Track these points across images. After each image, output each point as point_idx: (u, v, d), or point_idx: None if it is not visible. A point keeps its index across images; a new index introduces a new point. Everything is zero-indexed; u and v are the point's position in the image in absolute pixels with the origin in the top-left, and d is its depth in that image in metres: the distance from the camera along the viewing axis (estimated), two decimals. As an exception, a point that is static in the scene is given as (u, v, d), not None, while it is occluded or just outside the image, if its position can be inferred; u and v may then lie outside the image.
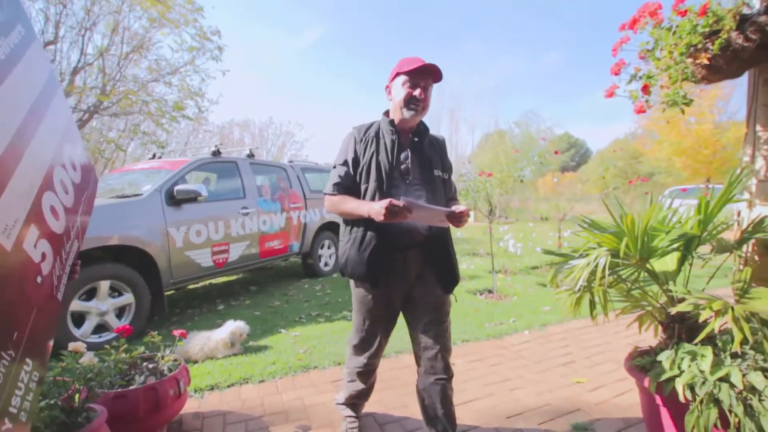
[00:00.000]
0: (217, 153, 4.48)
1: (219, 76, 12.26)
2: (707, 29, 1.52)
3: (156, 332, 1.97)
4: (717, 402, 1.32)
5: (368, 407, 2.02)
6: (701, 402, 1.34)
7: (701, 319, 1.30)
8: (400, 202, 1.33)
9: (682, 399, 1.39)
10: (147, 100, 9.14)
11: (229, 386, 2.34)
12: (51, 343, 1.14)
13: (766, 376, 1.32)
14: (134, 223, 3.34)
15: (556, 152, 5.82)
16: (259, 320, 3.62)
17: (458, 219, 1.45)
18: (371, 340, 1.68)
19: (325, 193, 1.62)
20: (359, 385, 1.80)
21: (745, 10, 1.58)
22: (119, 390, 1.63)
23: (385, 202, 1.35)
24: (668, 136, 14.23)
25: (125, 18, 8.49)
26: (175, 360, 1.91)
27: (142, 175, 4.20)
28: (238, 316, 3.22)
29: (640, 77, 1.66)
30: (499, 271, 5.49)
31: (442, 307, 1.61)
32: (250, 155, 5.04)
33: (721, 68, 1.58)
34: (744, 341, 1.27)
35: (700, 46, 1.53)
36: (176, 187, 3.67)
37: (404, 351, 2.78)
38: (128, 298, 3.20)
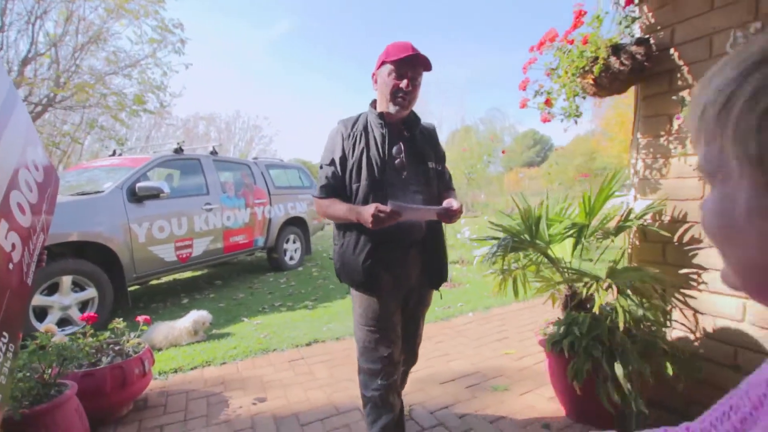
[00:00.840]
0: (179, 150, 4.56)
1: (182, 70, 12.00)
2: (593, 55, 1.85)
3: (121, 319, 2.13)
4: (590, 355, 1.66)
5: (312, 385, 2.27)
6: (579, 356, 1.68)
7: (574, 291, 1.63)
8: (386, 208, 1.25)
9: (567, 355, 1.73)
10: (105, 93, 8.90)
11: (192, 369, 2.53)
12: (21, 333, 1.32)
13: (626, 334, 1.67)
14: (95, 220, 3.41)
15: (503, 152, 6.24)
16: (223, 311, 3.79)
17: (449, 216, 1.38)
18: (383, 352, 1.44)
19: (314, 197, 1.53)
20: (387, 417, 1.46)
21: (624, 40, 1.92)
22: (87, 369, 1.80)
23: (371, 208, 1.27)
24: (619, 134, 15.20)
25: (80, 7, 8.21)
26: (140, 343, 2.08)
27: (102, 172, 4.24)
28: (202, 308, 3.37)
29: (542, 93, 1.98)
30: (456, 261, 5.87)
31: (429, 304, 1.64)
32: (214, 152, 5.13)
33: (605, 86, 1.92)
34: (620, 309, 1.62)
35: (587, 68, 1.86)
36: (138, 184, 3.75)
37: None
38: (91, 292, 3.29)
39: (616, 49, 1.84)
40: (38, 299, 3.01)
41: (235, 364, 2.59)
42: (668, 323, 1.89)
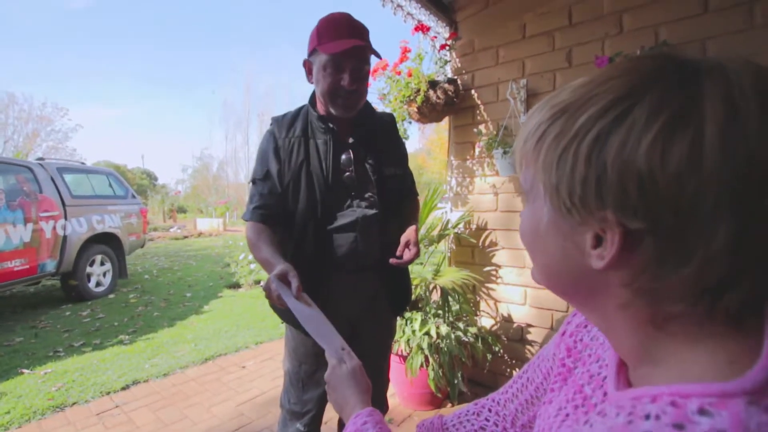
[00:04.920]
0: None
1: None
2: (416, 87, 2.13)
3: None
4: (422, 349, 1.88)
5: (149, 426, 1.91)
6: (414, 351, 1.89)
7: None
8: (272, 285, 0.92)
9: (404, 352, 1.92)
10: None
11: (-73, 457, 1.78)
12: None
13: (448, 326, 1.96)
14: None
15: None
16: (-15, 365, 2.80)
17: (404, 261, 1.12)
18: (309, 396, 1.24)
19: (244, 220, 1.19)
20: None
21: (440, 77, 2.29)
22: None
23: (270, 276, 0.95)
24: (440, 155, 17.91)
25: None
26: None
27: None
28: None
29: (377, 115, 2.18)
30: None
31: (391, 336, 1.36)
32: (-31, 149, 3.78)
33: (426, 114, 2.24)
34: (444, 305, 1.88)
35: (412, 97, 2.14)
36: None
37: (190, 365, 2.70)
38: None
39: (434, 84, 2.17)
40: None
41: (9, 435, 1.94)
42: (478, 312, 2.30)
